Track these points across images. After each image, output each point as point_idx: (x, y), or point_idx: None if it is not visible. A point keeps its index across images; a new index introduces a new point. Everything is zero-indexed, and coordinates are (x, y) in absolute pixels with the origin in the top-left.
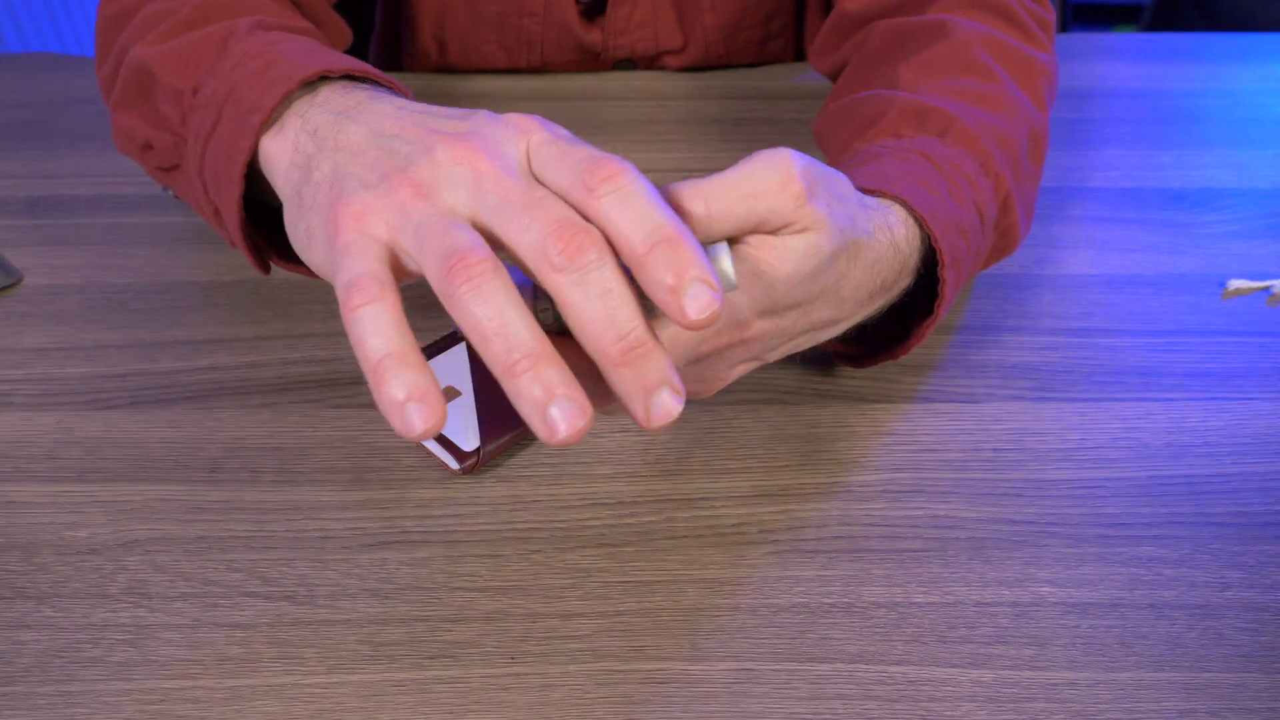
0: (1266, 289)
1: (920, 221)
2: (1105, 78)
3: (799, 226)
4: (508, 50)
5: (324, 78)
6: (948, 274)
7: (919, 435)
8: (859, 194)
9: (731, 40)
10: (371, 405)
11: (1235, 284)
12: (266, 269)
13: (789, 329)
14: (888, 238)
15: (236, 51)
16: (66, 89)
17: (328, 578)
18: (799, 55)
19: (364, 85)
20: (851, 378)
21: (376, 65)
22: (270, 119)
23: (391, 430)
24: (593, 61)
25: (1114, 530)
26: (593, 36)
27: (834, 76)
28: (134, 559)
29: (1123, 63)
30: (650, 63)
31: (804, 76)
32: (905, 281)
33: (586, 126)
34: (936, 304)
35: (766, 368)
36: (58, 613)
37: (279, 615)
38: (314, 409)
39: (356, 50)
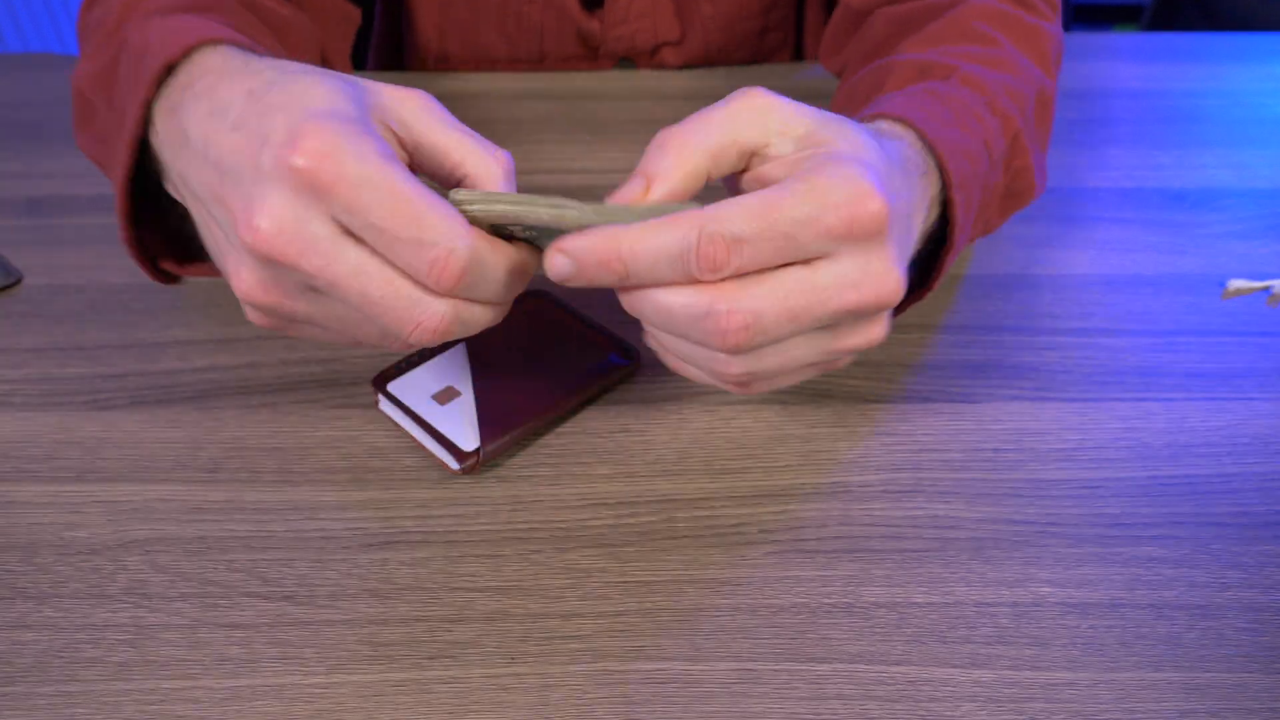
0: (1266, 289)
1: (920, 135)
2: (1105, 78)
3: (805, 128)
4: (508, 39)
5: (164, 77)
6: (956, 195)
7: (919, 435)
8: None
9: (730, 31)
10: (371, 405)
11: (1235, 284)
12: (165, 279)
13: (904, 203)
14: (891, 131)
15: (125, 56)
16: (66, 89)
17: (328, 578)
18: (798, 48)
19: (252, 56)
20: (851, 378)
21: (379, 59)
22: (140, 131)
23: (391, 430)
24: (592, 54)
25: (1114, 530)
26: (591, 25)
27: (842, 74)
28: (134, 559)
29: (1123, 63)
30: (650, 56)
31: (803, 74)
32: (933, 183)
33: (587, 126)
34: (950, 229)
35: None
36: (58, 613)
37: (279, 615)
38: (314, 409)
39: (357, 46)
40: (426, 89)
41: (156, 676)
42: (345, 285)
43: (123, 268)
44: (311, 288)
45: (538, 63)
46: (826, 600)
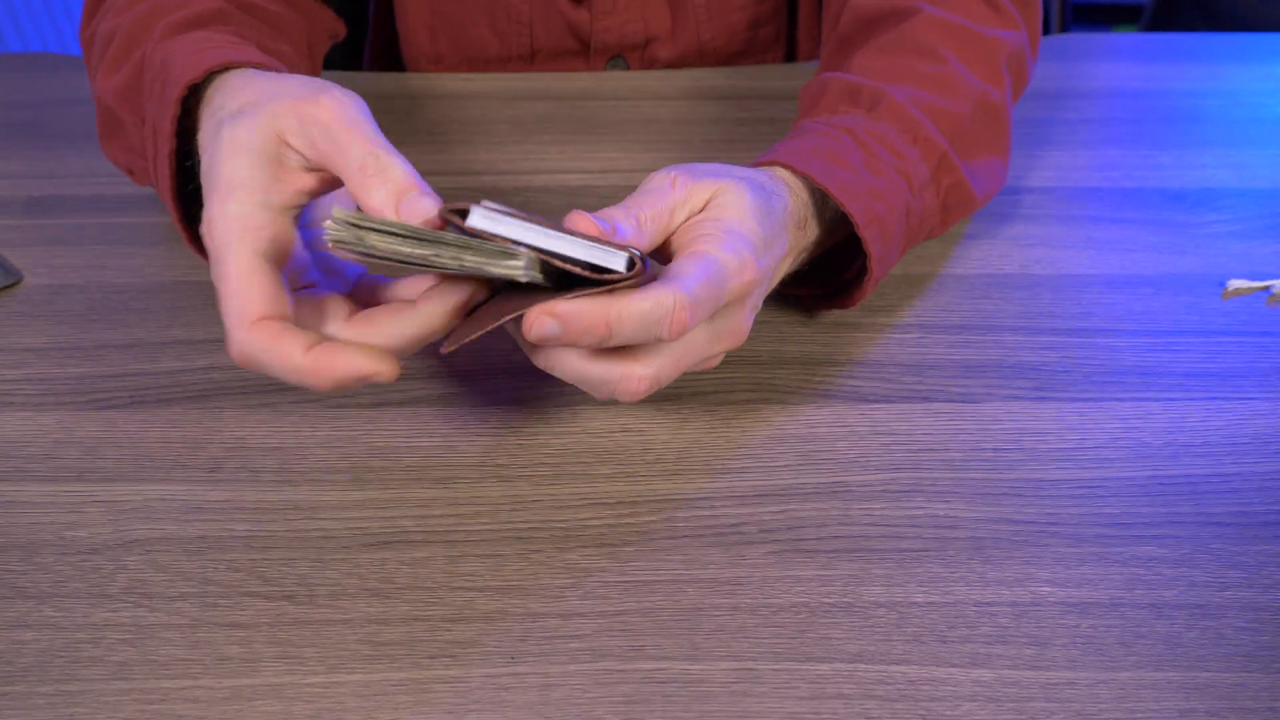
0: (1266, 289)
1: (807, 179)
2: (1105, 78)
3: (710, 192)
4: (498, 33)
5: (196, 86)
6: (865, 233)
7: (919, 435)
8: (731, 168)
9: (721, 21)
10: (371, 405)
11: (1235, 284)
12: None
13: (769, 267)
14: (778, 187)
15: (148, 74)
16: (66, 89)
17: (328, 578)
18: (791, 41)
19: (220, 90)
20: (852, 378)
21: (373, 60)
22: (175, 145)
23: (391, 430)
24: (583, 49)
25: (1114, 530)
26: (580, 16)
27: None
28: (134, 559)
29: (1123, 63)
30: (642, 52)
31: (798, 75)
32: (814, 224)
33: (586, 127)
34: (868, 260)
35: (767, 367)
36: (58, 613)
37: (279, 615)
38: (314, 409)
39: (352, 46)
40: (427, 91)
41: (156, 676)
42: None
43: (123, 267)
44: None
45: (529, 60)
46: (826, 600)
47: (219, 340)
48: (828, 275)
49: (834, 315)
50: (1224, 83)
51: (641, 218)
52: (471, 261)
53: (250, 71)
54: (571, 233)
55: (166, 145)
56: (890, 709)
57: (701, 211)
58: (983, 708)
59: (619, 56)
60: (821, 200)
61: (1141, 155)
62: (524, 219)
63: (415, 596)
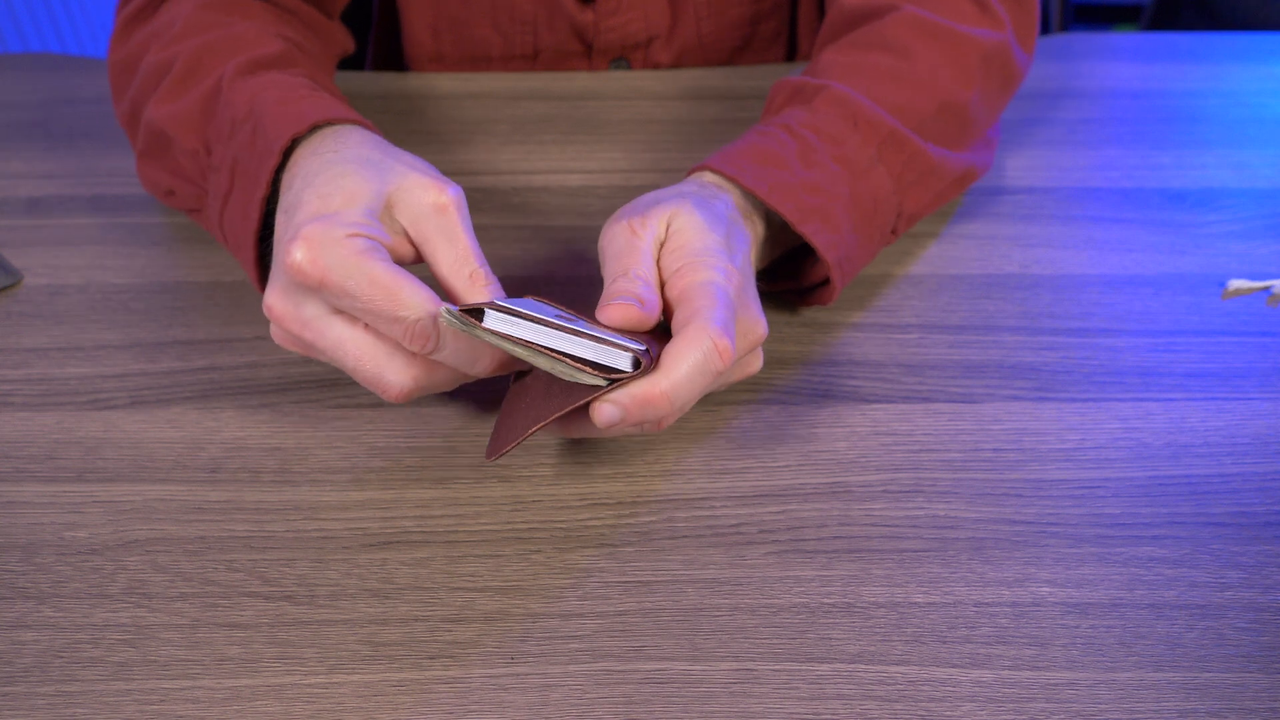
0: (1266, 289)
1: (735, 182)
2: (1105, 78)
3: (665, 219)
4: (502, 34)
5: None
6: (804, 228)
7: (919, 435)
8: (660, 192)
9: (721, 18)
10: (371, 405)
11: (1235, 284)
12: None
13: (743, 262)
14: (712, 191)
15: (227, 113)
16: (66, 89)
17: (328, 578)
18: (792, 38)
19: (332, 137)
20: (851, 378)
21: (375, 58)
22: (269, 191)
23: (391, 430)
24: (585, 50)
25: (1114, 530)
26: (585, 17)
27: None
28: (134, 559)
29: (1123, 63)
30: (644, 50)
31: (796, 74)
32: (757, 219)
33: (585, 127)
34: (818, 252)
35: (767, 367)
36: (58, 613)
37: (279, 615)
38: (314, 409)
39: (356, 44)
40: (428, 91)
41: (156, 676)
42: (329, 354)
43: (123, 267)
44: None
45: (532, 59)
46: (826, 600)
47: (219, 340)
48: (802, 273)
49: (834, 315)
50: (1224, 83)
51: (648, 278)
52: (562, 370)
53: (362, 130)
54: (579, 331)
55: (261, 190)
56: (890, 709)
57: (667, 240)
58: (982, 708)
59: (622, 58)
60: (755, 198)
61: (1141, 155)
62: (533, 318)
63: (415, 596)
